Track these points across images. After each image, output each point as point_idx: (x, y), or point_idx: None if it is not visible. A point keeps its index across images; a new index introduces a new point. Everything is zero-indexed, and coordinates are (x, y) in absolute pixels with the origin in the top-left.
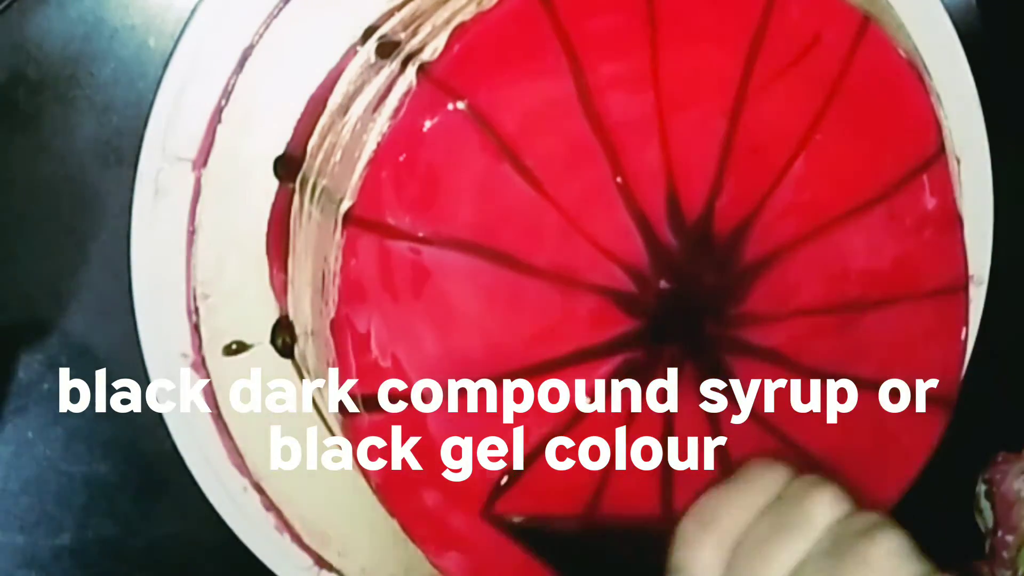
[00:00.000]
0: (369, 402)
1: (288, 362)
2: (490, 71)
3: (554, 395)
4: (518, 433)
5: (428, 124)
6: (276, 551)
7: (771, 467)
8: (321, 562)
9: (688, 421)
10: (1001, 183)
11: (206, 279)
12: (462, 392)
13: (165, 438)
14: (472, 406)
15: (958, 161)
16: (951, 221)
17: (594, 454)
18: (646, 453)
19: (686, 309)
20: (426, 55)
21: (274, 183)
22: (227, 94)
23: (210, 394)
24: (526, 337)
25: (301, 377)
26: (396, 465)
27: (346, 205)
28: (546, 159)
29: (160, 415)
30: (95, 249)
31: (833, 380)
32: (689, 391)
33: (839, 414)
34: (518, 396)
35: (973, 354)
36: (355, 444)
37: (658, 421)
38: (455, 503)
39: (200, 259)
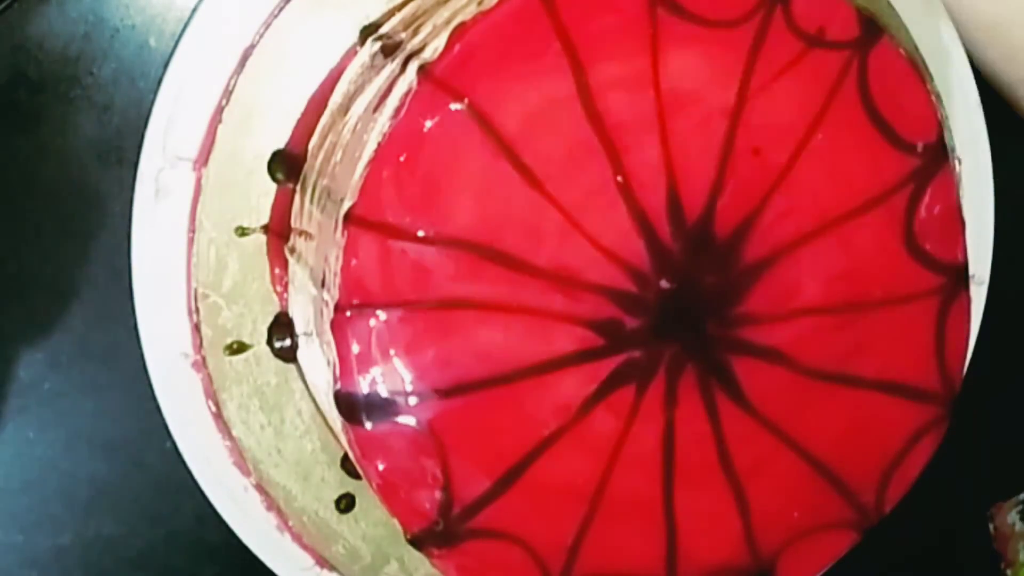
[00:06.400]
0: (370, 402)
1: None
2: (491, 71)
3: (554, 395)
4: (519, 433)
5: (429, 124)
6: (276, 551)
7: None
8: (321, 562)
9: (689, 421)
10: (1001, 183)
11: (206, 279)
12: (462, 392)
13: (165, 438)
14: (472, 406)
15: (958, 161)
16: (952, 221)
17: (594, 455)
18: (647, 453)
19: (687, 309)
20: (427, 55)
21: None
22: (228, 94)
23: (210, 394)
24: (527, 337)
25: (301, 377)
26: (396, 465)
27: (347, 205)
28: (546, 159)
29: (160, 415)
30: (95, 249)
31: (834, 380)
32: (690, 391)
33: (839, 414)
34: (518, 396)
35: (973, 354)
36: (355, 444)
37: (659, 421)
38: (455, 503)
39: (200, 259)
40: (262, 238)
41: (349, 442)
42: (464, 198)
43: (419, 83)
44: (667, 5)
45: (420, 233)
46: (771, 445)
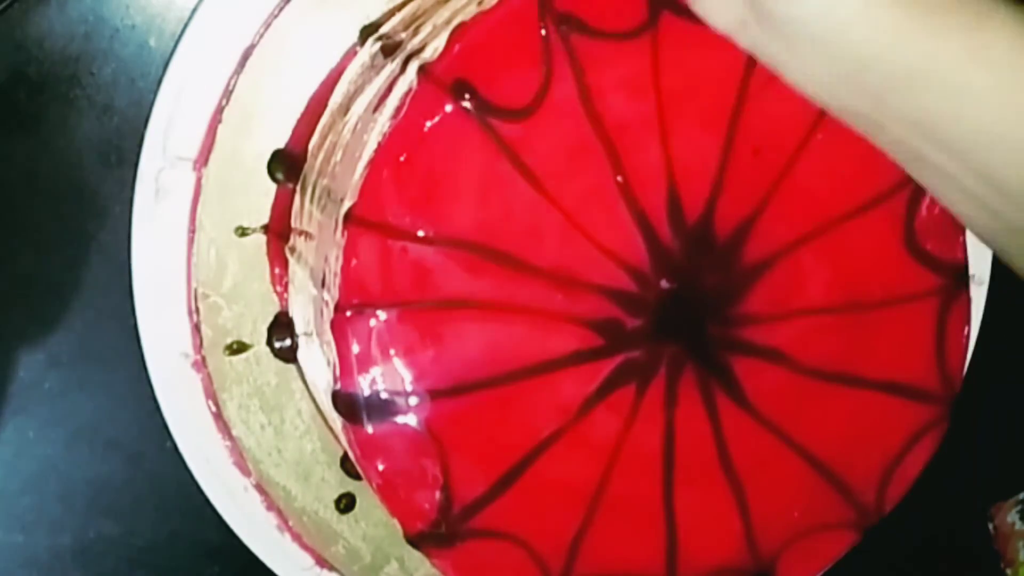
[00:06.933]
0: (370, 402)
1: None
2: (491, 71)
3: (554, 395)
4: (519, 433)
5: (429, 124)
6: (276, 551)
7: None
8: (321, 562)
9: (689, 421)
10: None
11: (206, 279)
12: (462, 392)
13: (165, 438)
14: (472, 406)
15: None
16: (952, 221)
17: (594, 455)
18: (647, 453)
19: (687, 309)
20: (427, 55)
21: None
22: (228, 94)
23: (210, 394)
24: (527, 337)
25: (302, 377)
26: (396, 465)
27: (347, 205)
28: (547, 159)
29: (160, 415)
30: (96, 249)
31: (834, 380)
32: (690, 391)
33: (839, 414)
34: (518, 396)
35: (973, 354)
36: (355, 444)
37: (659, 421)
38: (455, 503)
39: (200, 259)
40: (262, 238)
41: (349, 442)
42: (464, 198)
43: (419, 83)
44: (668, 5)
45: (420, 233)
46: (771, 445)
